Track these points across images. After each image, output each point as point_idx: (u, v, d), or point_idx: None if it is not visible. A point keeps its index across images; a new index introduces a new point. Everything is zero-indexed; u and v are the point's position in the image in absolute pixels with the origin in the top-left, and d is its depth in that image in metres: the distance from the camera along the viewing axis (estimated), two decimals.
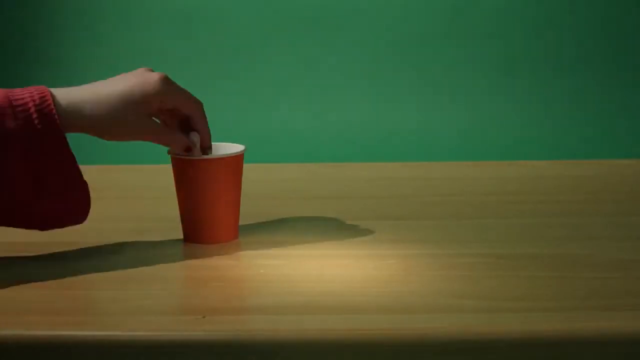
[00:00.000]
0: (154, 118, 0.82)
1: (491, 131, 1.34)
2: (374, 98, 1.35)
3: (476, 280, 0.74)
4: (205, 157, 0.83)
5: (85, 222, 0.81)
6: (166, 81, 0.80)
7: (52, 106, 0.75)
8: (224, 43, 1.33)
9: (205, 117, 0.84)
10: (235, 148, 0.86)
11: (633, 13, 1.32)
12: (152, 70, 0.82)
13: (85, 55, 1.33)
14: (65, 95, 0.77)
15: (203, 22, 1.33)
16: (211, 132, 0.85)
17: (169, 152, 0.85)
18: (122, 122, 0.78)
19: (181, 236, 0.88)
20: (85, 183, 0.79)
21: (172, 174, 0.86)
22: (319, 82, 1.35)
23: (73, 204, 0.79)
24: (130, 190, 1.11)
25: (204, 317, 0.66)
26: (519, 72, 1.34)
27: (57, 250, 0.84)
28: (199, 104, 0.83)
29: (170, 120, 0.84)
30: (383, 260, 0.80)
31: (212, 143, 0.86)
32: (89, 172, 1.20)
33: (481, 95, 1.34)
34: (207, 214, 0.84)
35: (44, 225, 0.79)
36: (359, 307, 0.68)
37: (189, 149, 0.83)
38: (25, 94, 0.75)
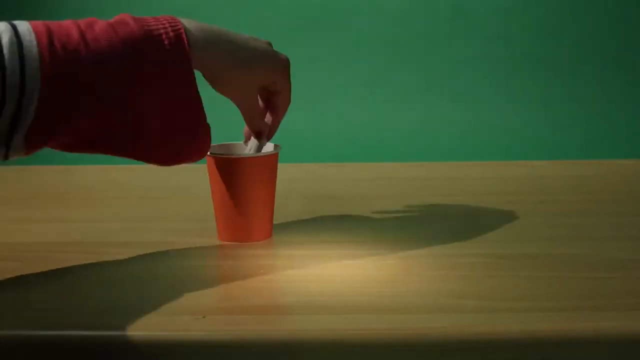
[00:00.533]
0: None
1: (491, 131, 1.34)
2: (374, 98, 1.35)
3: (476, 280, 0.74)
4: (242, 155, 0.84)
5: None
6: (289, 66, 0.83)
7: (187, 45, 0.75)
8: None
9: (283, 115, 0.87)
10: (270, 147, 0.88)
11: (633, 13, 1.32)
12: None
13: None
14: (200, 30, 0.77)
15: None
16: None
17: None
18: (240, 76, 0.80)
19: (180, 236, 0.88)
20: (207, 125, 0.79)
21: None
22: (319, 82, 1.35)
23: (195, 142, 0.79)
24: (130, 190, 1.11)
25: (204, 317, 0.66)
26: (519, 72, 1.34)
27: (57, 250, 0.84)
28: (290, 101, 0.86)
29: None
30: (383, 260, 0.80)
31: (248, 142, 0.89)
32: (89, 172, 1.21)
33: (481, 95, 1.35)
34: (243, 212, 0.85)
35: (164, 160, 0.78)
36: (359, 307, 0.68)
37: (259, 134, 0.86)
38: (160, 28, 0.74)
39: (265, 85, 0.83)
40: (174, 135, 0.77)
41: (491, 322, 0.65)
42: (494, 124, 1.34)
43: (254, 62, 0.80)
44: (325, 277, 0.76)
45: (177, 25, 0.75)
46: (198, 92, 0.77)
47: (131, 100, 0.73)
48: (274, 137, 0.88)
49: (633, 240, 0.86)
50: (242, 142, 0.89)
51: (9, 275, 0.77)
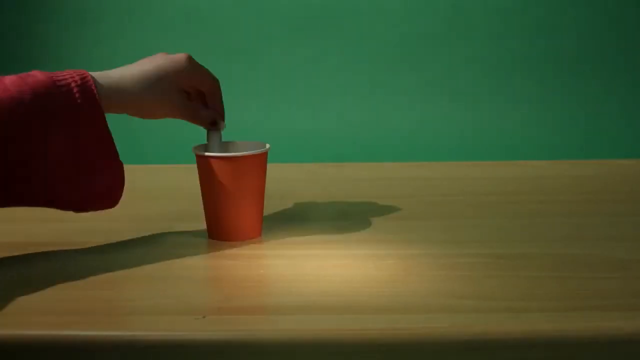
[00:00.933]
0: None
1: (491, 131, 1.34)
2: (374, 98, 1.35)
3: (476, 280, 0.74)
4: (230, 155, 0.85)
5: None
6: (191, 59, 0.86)
7: (93, 85, 0.79)
8: (224, 43, 1.33)
9: (221, 94, 0.89)
10: (259, 145, 0.88)
11: (633, 13, 1.32)
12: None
13: (85, 55, 1.33)
14: (104, 76, 0.81)
15: (203, 22, 1.33)
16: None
17: (193, 150, 0.86)
18: (159, 98, 0.84)
19: (180, 236, 0.88)
20: (121, 163, 0.82)
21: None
22: (319, 82, 1.35)
23: (109, 182, 0.81)
24: (130, 190, 1.10)
25: (204, 317, 0.66)
26: (519, 72, 1.34)
27: (56, 250, 0.84)
28: (216, 81, 0.88)
29: (194, 99, 0.89)
30: (383, 260, 0.80)
31: (236, 141, 0.91)
32: None
33: (481, 95, 1.35)
34: (231, 211, 0.85)
35: (78, 206, 0.82)
36: (359, 307, 0.68)
37: (213, 123, 0.88)
38: (66, 75, 0.79)
39: (184, 87, 0.86)
40: (84, 175, 0.79)
41: (491, 322, 0.65)
42: (494, 124, 1.34)
43: (161, 80, 0.83)
44: (325, 277, 0.76)
45: (84, 74, 0.79)
46: (108, 130, 0.80)
47: (37, 144, 0.76)
48: (266, 137, 0.88)
49: (633, 240, 0.86)
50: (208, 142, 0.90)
51: (8, 275, 0.77)
